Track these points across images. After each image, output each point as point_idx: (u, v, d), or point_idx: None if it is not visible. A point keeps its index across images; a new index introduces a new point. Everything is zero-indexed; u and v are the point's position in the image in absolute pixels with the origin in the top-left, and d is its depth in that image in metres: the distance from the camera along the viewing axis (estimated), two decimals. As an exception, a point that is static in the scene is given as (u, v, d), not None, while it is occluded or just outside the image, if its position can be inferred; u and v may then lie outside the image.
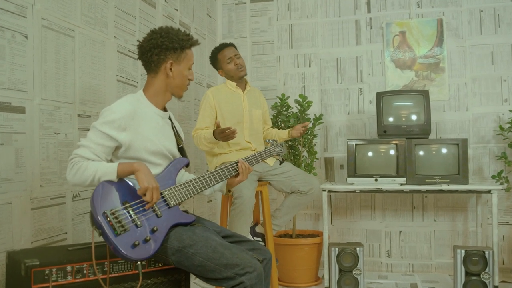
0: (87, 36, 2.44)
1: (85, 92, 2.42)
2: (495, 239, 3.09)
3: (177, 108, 3.44)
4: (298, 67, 4.09)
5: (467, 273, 3.04)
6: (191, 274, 1.90)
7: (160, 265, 1.90)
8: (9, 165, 1.95)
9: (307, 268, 3.48)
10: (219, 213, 3.28)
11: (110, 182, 1.74)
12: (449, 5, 3.80)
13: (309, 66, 4.07)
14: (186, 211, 1.94)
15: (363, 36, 3.96)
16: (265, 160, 2.77)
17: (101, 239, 1.69)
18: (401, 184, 3.27)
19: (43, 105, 2.13)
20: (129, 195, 1.77)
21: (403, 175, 3.28)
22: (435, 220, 3.79)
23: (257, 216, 3.20)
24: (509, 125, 3.47)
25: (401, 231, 3.85)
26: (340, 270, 3.19)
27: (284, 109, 3.68)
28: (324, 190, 3.35)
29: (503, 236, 3.62)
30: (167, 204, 1.84)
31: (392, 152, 3.35)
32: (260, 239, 3.12)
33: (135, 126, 1.84)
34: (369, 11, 3.95)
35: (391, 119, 3.48)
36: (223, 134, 2.64)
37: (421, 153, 3.32)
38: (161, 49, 1.90)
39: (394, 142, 3.35)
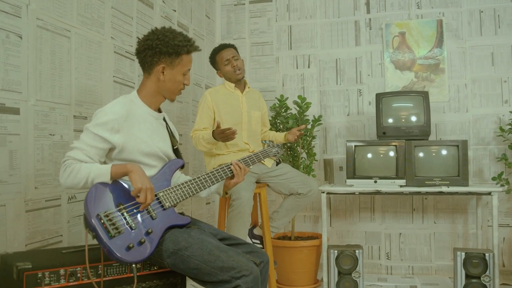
0: (83, 37, 2.42)
1: (81, 93, 2.40)
2: (495, 241, 3.07)
3: (175, 110, 3.42)
4: (297, 68, 4.07)
5: (467, 276, 3.02)
6: (187, 277, 1.88)
7: (155, 268, 1.87)
8: (3, 166, 1.93)
9: (306, 271, 3.45)
10: (217, 215, 3.25)
11: (104, 184, 1.72)
12: (449, 5, 3.78)
13: (308, 67, 4.05)
14: (182, 213, 1.92)
15: (362, 37, 3.94)
16: (262, 161, 2.75)
17: (95, 241, 1.67)
18: (401, 186, 3.25)
19: (38, 106, 2.11)
20: (124, 197, 1.75)
21: (402, 177, 3.26)
22: (435, 222, 3.77)
23: (255, 218, 3.18)
24: (510, 127, 3.44)
25: (400, 233, 3.82)
26: (339, 273, 3.16)
27: (282, 110, 3.66)
28: (323, 192, 3.33)
29: (504, 238, 3.60)
30: (162, 206, 1.82)
31: (391, 153, 3.32)
32: (258, 241, 3.09)
33: (129, 128, 1.82)
34: (368, 12, 3.93)
35: (390, 120, 3.46)
36: (223, 135, 2.62)
37: (421, 154, 3.29)
38: (155, 51, 1.87)
39: (393, 143, 3.32)
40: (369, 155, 3.38)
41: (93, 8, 2.49)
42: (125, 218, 1.70)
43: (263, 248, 3.03)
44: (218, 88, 3.14)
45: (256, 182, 3.00)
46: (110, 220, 1.66)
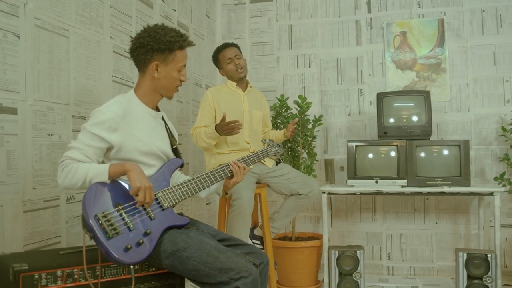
0: (82, 36, 2.40)
1: (80, 93, 2.39)
2: (497, 242, 3.04)
3: (176, 109, 3.41)
4: (298, 67, 4.06)
5: (469, 277, 2.99)
6: (186, 278, 1.86)
7: (154, 269, 1.85)
8: (0, 167, 1.91)
9: (307, 271, 3.44)
10: (217, 215, 3.23)
11: (102, 183, 1.70)
12: (450, 5, 3.75)
13: (309, 66, 4.03)
14: (181, 214, 1.90)
15: (363, 37, 3.92)
16: (262, 161, 2.73)
17: (93, 242, 1.65)
18: (402, 186, 3.23)
19: (36, 106, 2.10)
20: (122, 197, 1.73)
21: (404, 177, 3.23)
22: (436, 223, 3.74)
23: (255, 218, 3.16)
24: (512, 126, 3.42)
25: (402, 234, 3.80)
26: (340, 273, 3.14)
27: (283, 110, 3.64)
28: (324, 192, 3.31)
29: (506, 239, 3.57)
30: (161, 206, 1.80)
31: (393, 153, 3.30)
32: (258, 242, 3.07)
33: (126, 127, 1.80)
34: (369, 11, 3.91)
35: (391, 120, 3.43)
36: (228, 127, 2.62)
37: (422, 154, 3.27)
38: (146, 49, 1.84)
39: (395, 143, 3.30)
40: (370, 155, 3.36)
41: (91, 7, 2.48)
42: (123, 219, 1.68)
43: (263, 248, 3.01)
44: (220, 87, 3.14)
45: (257, 183, 2.98)
46: (108, 220, 1.64)
